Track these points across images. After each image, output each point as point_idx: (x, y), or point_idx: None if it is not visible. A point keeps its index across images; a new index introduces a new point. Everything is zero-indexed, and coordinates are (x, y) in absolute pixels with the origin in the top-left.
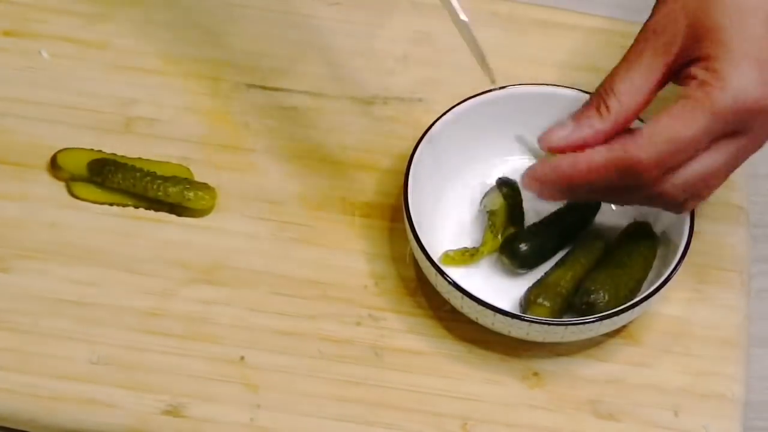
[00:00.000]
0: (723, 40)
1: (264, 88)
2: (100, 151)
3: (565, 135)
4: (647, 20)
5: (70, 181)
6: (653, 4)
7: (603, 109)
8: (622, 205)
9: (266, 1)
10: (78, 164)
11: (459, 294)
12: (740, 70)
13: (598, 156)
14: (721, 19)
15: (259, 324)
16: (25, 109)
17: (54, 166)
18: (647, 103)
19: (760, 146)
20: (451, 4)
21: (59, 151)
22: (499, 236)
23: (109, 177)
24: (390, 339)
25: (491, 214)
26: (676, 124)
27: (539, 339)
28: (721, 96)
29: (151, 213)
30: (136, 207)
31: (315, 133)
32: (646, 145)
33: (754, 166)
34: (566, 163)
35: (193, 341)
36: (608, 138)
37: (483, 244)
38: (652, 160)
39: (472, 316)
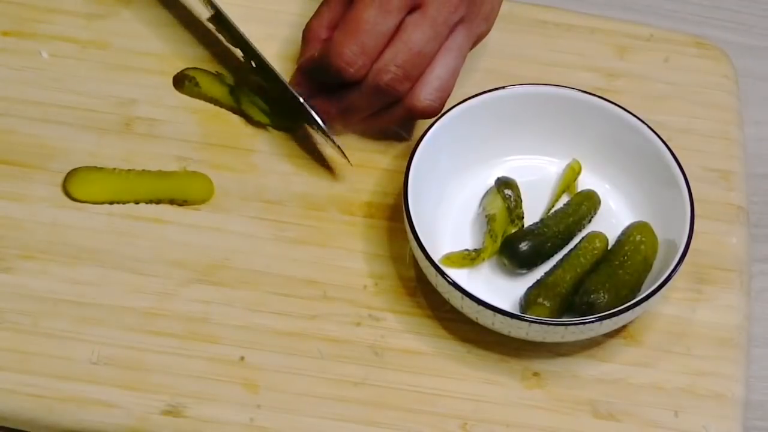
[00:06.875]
0: None
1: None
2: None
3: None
4: None
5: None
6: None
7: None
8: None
9: (265, 2)
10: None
11: (459, 294)
12: None
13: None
14: None
15: (259, 324)
16: (25, 109)
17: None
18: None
19: (450, 15)
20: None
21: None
22: (498, 241)
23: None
24: (390, 339)
25: (490, 218)
26: (354, 10)
27: (539, 339)
28: None
29: (151, 211)
30: (137, 203)
31: (314, 132)
32: (339, 35)
33: (753, 166)
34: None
35: (193, 341)
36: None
37: (483, 249)
38: (343, 45)
39: (472, 316)
